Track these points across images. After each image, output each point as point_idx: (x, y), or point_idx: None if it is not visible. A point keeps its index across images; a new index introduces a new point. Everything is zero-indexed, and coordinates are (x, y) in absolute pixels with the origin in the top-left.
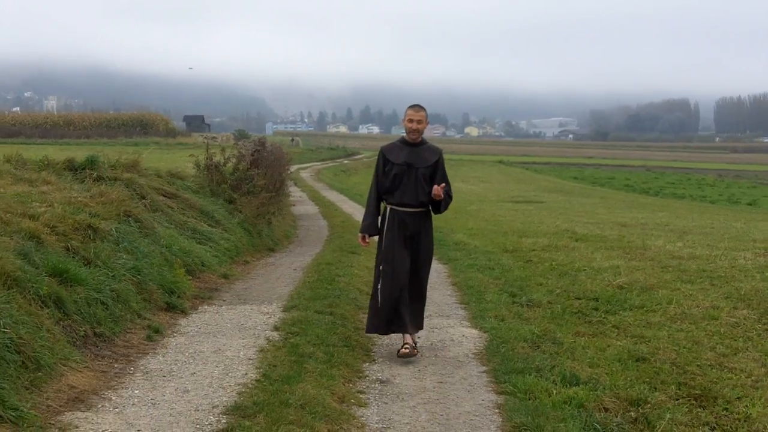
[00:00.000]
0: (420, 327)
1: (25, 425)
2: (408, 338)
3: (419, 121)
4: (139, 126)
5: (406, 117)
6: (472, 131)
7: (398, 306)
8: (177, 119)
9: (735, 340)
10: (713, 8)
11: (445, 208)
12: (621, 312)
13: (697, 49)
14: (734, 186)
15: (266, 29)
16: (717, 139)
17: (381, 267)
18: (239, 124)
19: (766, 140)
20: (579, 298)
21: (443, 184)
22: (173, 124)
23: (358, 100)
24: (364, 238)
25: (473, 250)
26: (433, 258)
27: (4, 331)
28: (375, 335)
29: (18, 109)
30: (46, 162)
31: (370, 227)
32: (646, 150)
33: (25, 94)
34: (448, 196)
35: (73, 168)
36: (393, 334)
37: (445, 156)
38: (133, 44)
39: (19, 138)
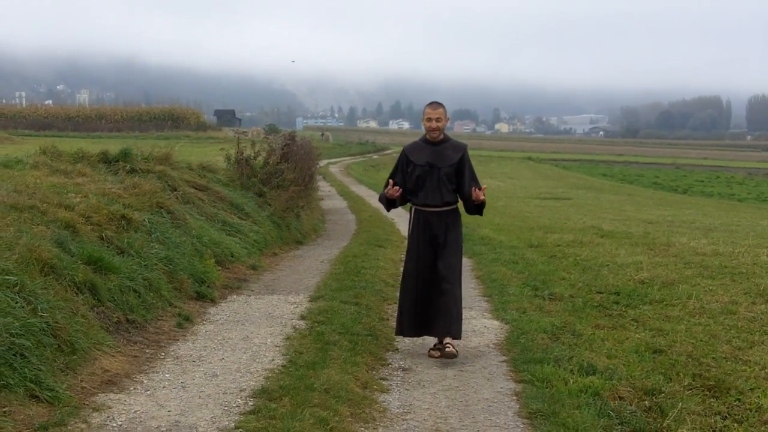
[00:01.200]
0: (453, 335)
1: (60, 405)
2: (445, 340)
3: (438, 119)
4: (171, 120)
5: (424, 116)
6: (502, 127)
7: (426, 307)
8: (208, 113)
9: (751, 333)
10: (747, 5)
11: (483, 210)
12: (641, 306)
13: (729, 46)
14: (763, 184)
15: (297, 23)
16: (749, 137)
17: (405, 266)
18: (270, 119)
19: None
20: (600, 292)
21: (484, 186)
22: (204, 118)
23: (389, 95)
24: (389, 186)
25: (498, 245)
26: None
27: (41, 316)
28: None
29: (50, 102)
30: (80, 154)
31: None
32: (677, 148)
33: (58, 87)
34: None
35: (107, 160)
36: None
37: (473, 152)
38: (165, 38)
39: (51, 131)
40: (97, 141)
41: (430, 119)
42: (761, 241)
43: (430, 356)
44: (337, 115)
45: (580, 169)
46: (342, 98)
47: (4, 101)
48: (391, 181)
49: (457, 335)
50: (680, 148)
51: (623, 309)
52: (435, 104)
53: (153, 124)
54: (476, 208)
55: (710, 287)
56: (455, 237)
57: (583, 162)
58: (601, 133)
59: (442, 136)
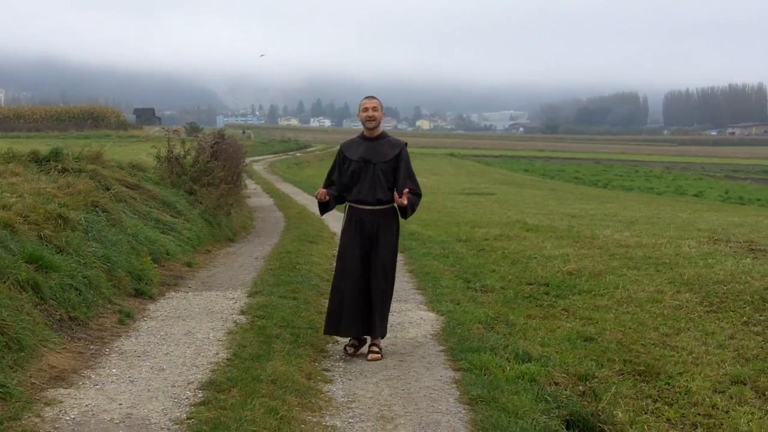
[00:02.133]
0: (382, 334)
1: (13, 400)
2: (372, 340)
3: (374, 108)
4: (90, 119)
5: (360, 109)
6: (424, 124)
7: (353, 307)
8: (127, 112)
9: (677, 321)
10: (663, 3)
11: (413, 210)
12: (570, 296)
13: (646, 43)
14: (681, 178)
15: (220, 22)
16: (665, 132)
17: (336, 264)
18: (190, 117)
19: (713, 133)
20: (530, 284)
21: (407, 190)
22: (124, 116)
23: (311, 93)
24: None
25: (428, 239)
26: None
27: None
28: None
29: None
30: (11, 154)
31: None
32: (596, 143)
33: None
34: (416, 194)
35: (37, 160)
36: None
37: None
38: (83, 36)
39: None
40: (15, 141)
41: (366, 108)
42: (682, 233)
43: (345, 353)
44: (258, 113)
45: (502, 165)
46: (263, 96)
47: None
48: (322, 189)
49: (381, 335)
50: (599, 143)
51: (553, 299)
52: (370, 96)
53: (72, 124)
54: (402, 210)
55: (636, 277)
56: (389, 237)
57: (505, 158)
58: (521, 129)
59: (379, 131)
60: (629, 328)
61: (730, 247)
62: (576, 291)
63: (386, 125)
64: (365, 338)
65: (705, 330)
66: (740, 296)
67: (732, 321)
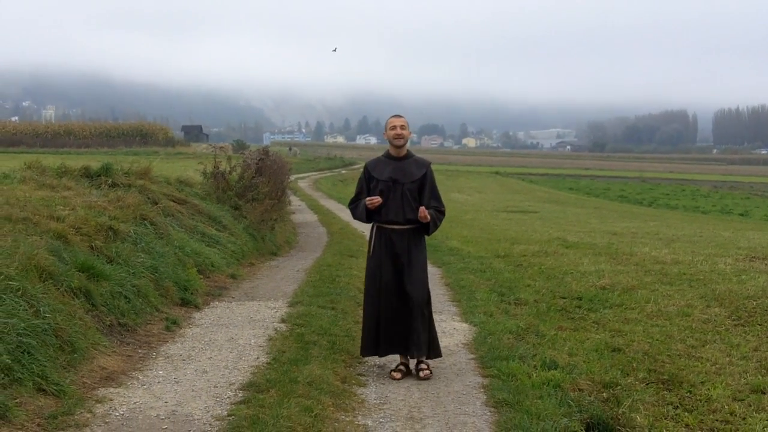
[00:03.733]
0: (423, 353)
1: (66, 397)
2: (408, 360)
3: (402, 126)
4: (139, 135)
5: (387, 127)
6: (470, 142)
7: (389, 326)
8: (175, 129)
9: (704, 333)
10: (712, 22)
11: (435, 227)
12: (602, 310)
13: (695, 61)
14: (728, 197)
15: (265, 40)
16: (714, 150)
17: (366, 286)
18: (237, 134)
19: (763, 152)
20: (563, 298)
21: (422, 207)
22: (172, 133)
23: (356, 110)
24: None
25: (466, 255)
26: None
27: (44, 318)
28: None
29: (16, 118)
30: (64, 169)
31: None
32: (643, 161)
33: (23, 104)
34: (439, 212)
35: (88, 175)
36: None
37: (442, 167)
38: (130, 54)
39: (20, 147)
40: (66, 157)
41: (394, 126)
42: (720, 251)
43: (392, 378)
44: (304, 130)
45: (547, 183)
46: (309, 113)
47: None
48: (374, 198)
49: (435, 354)
50: (647, 162)
51: (585, 312)
52: (397, 115)
53: (121, 140)
54: (425, 227)
55: (668, 292)
56: (419, 255)
57: (550, 176)
58: (568, 147)
59: (405, 150)
60: (656, 340)
61: (766, 265)
62: (608, 305)
63: (432, 143)
64: (410, 361)
65: (730, 342)
66: None
67: (758, 334)
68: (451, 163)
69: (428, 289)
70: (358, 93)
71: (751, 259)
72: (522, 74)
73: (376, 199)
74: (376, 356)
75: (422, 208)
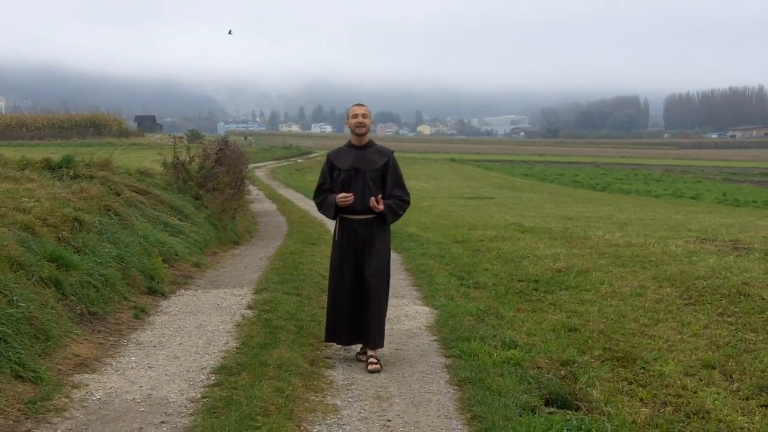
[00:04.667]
0: (379, 345)
1: (43, 383)
2: (370, 351)
3: (364, 115)
4: (92, 126)
5: (349, 116)
6: (425, 130)
7: (352, 317)
8: (128, 119)
9: (657, 313)
10: (664, 8)
11: (396, 216)
12: (558, 291)
13: (647, 46)
14: (679, 181)
15: (219, 30)
16: (666, 135)
17: (330, 274)
18: (191, 124)
19: (713, 136)
20: (521, 281)
21: (380, 197)
22: (126, 124)
23: (311, 100)
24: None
25: (425, 241)
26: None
27: (18, 306)
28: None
29: None
30: (25, 161)
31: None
32: (596, 147)
33: None
34: (403, 201)
35: (50, 167)
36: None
37: (398, 155)
38: (83, 45)
39: None
40: (19, 149)
41: (356, 115)
42: (672, 233)
43: (359, 360)
44: (258, 119)
45: (502, 170)
46: (264, 103)
47: None
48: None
49: (379, 346)
50: (600, 147)
51: (542, 295)
52: (359, 104)
53: (74, 132)
54: (382, 216)
55: (621, 274)
56: (382, 245)
57: (505, 162)
58: (522, 133)
59: (367, 139)
60: (611, 320)
61: (716, 246)
62: (564, 287)
63: (387, 131)
64: None
65: (682, 321)
66: (718, 290)
67: (708, 312)
68: (406, 151)
69: (388, 278)
70: (313, 82)
71: (701, 241)
72: (475, 63)
73: (349, 197)
74: (339, 344)
75: (373, 198)
